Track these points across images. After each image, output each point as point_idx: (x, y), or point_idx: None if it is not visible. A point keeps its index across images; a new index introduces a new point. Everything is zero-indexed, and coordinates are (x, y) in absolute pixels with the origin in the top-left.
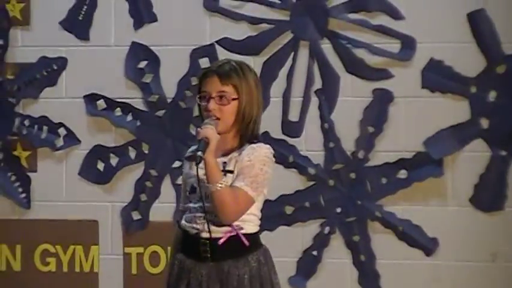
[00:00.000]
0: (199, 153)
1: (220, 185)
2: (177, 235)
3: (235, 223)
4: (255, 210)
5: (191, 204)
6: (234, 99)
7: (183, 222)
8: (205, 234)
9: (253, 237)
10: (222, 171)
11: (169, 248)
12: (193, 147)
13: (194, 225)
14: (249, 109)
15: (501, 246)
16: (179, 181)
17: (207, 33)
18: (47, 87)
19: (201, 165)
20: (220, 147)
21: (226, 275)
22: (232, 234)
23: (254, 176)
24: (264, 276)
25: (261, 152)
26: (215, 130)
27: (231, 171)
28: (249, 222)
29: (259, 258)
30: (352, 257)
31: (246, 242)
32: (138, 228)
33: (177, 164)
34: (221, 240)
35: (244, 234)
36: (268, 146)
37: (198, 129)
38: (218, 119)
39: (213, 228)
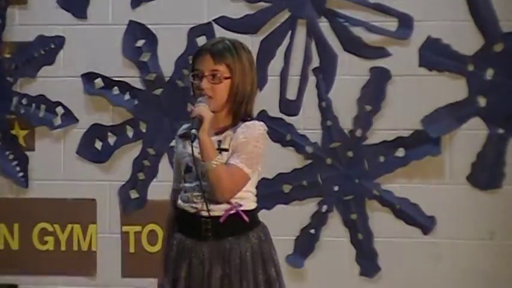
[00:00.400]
0: (194, 131)
1: (215, 163)
2: (170, 215)
3: (233, 200)
4: (250, 187)
5: (187, 184)
6: (226, 78)
7: (179, 202)
8: (205, 213)
9: (252, 214)
10: (217, 149)
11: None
12: (186, 126)
13: (193, 205)
14: (242, 88)
15: (499, 224)
16: None
17: (205, 11)
18: (45, 66)
19: (196, 144)
20: (213, 126)
21: (229, 252)
22: (232, 211)
23: (249, 153)
24: (265, 252)
25: (255, 129)
26: (209, 108)
27: (226, 149)
28: (247, 199)
29: (260, 234)
30: (349, 235)
31: (246, 218)
32: (136, 207)
33: (174, 142)
34: (222, 218)
35: (244, 211)
36: (261, 123)
37: (192, 107)
38: (210, 97)
39: (212, 206)
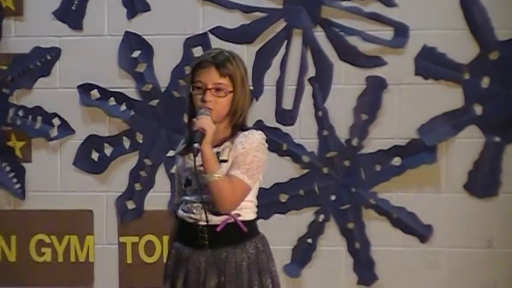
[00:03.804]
0: (196, 144)
1: (217, 175)
2: (173, 227)
3: (233, 211)
4: (251, 197)
5: (187, 197)
6: (230, 91)
7: (180, 212)
8: (202, 222)
9: (251, 224)
10: None
11: (164, 237)
12: (183, 141)
13: (191, 215)
14: (242, 101)
15: (496, 232)
16: (173, 170)
17: (200, 22)
18: (41, 78)
19: (197, 156)
20: (213, 138)
21: (224, 262)
22: (229, 221)
23: (249, 164)
24: (262, 263)
25: (254, 138)
26: (211, 120)
27: (225, 161)
28: (246, 209)
29: (257, 245)
30: (347, 244)
31: (244, 229)
32: (133, 217)
33: (171, 153)
34: (219, 227)
35: (242, 221)
36: (260, 131)
37: (194, 119)
38: (211, 109)
39: (211, 217)
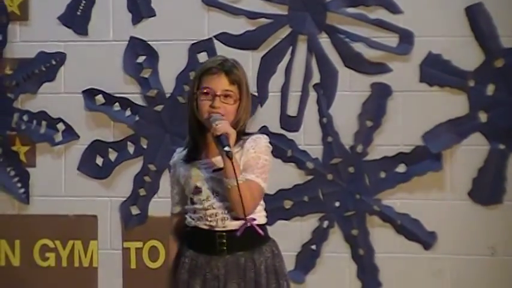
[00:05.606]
0: (227, 147)
1: (242, 179)
2: (171, 240)
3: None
4: (262, 200)
5: (197, 206)
6: (237, 99)
7: (190, 220)
8: (219, 228)
9: (265, 228)
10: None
11: (168, 246)
12: (180, 149)
13: (206, 222)
14: (246, 110)
15: (500, 239)
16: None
17: (206, 27)
18: (46, 82)
19: (204, 165)
20: (213, 145)
21: (244, 266)
22: (248, 225)
23: (261, 167)
24: (278, 266)
25: (262, 142)
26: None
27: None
28: (259, 213)
29: (272, 248)
30: (351, 251)
31: (261, 232)
32: (137, 223)
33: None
34: (239, 232)
35: (258, 225)
36: (264, 135)
37: (214, 125)
38: (222, 115)
39: (228, 222)
